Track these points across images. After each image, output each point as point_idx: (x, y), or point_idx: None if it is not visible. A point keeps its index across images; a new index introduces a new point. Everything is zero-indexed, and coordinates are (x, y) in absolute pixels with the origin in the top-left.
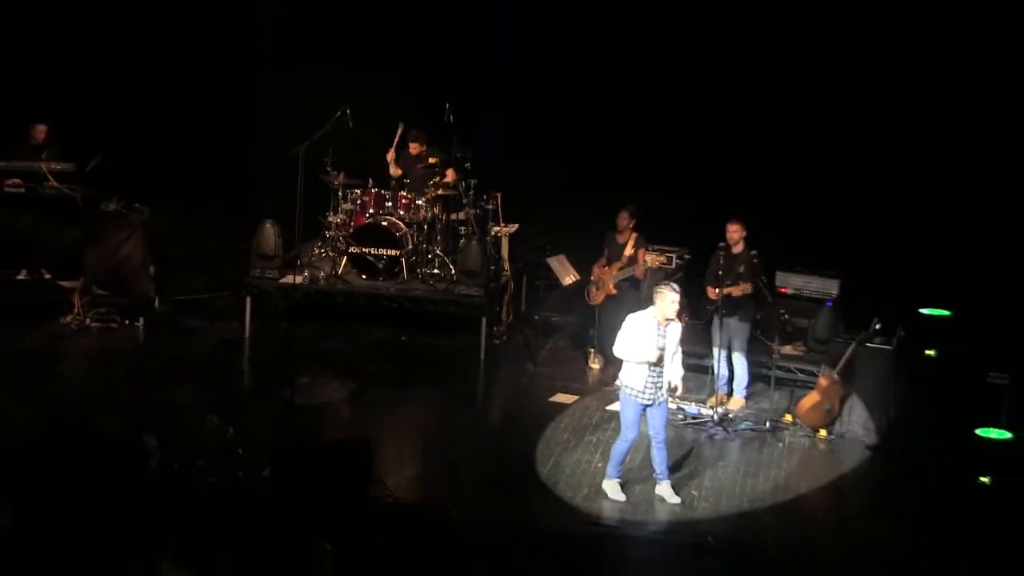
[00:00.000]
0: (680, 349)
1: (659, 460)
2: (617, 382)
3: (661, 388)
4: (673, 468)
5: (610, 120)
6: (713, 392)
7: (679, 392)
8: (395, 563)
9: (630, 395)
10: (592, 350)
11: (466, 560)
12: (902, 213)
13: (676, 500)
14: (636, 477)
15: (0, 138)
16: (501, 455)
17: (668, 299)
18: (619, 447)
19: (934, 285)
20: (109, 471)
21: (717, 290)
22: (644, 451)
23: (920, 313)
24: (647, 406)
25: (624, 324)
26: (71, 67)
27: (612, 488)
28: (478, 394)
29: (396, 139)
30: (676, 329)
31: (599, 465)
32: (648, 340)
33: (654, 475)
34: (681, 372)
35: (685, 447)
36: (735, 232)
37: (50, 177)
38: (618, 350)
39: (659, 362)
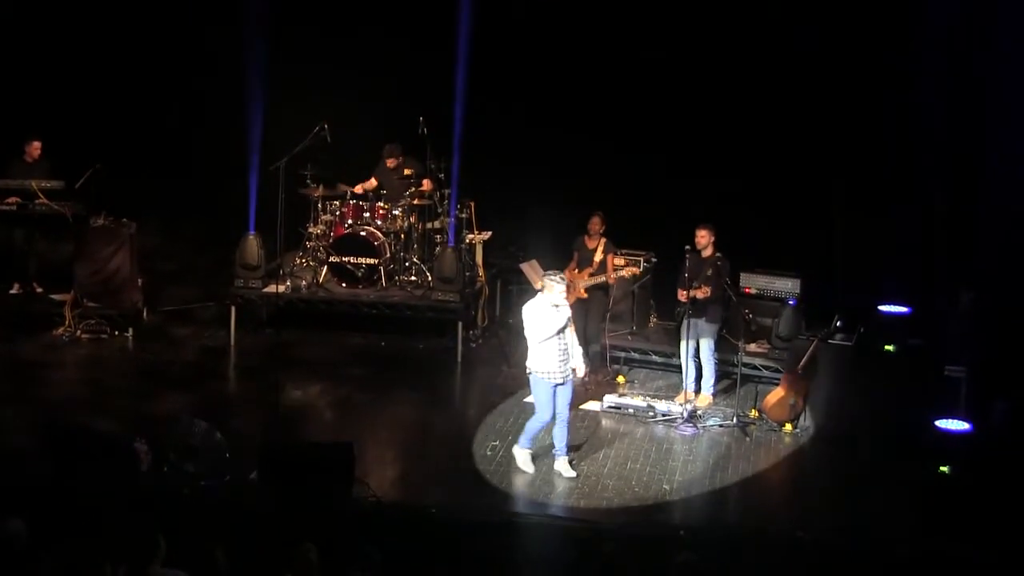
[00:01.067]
0: (574, 333)
1: (560, 437)
2: (528, 370)
3: (567, 365)
4: (643, 464)
5: (576, 128)
6: (682, 390)
7: (583, 375)
8: (379, 560)
9: (542, 378)
10: None
11: (445, 554)
12: (860, 213)
13: (572, 474)
14: (601, 470)
15: None
16: (478, 453)
17: (557, 289)
18: (533, 424)
19: (892, 282)
20: (101, 475)
21: (685, 293)
22: (617, 448)
23: (879, 310)
24: (557, 385)
25: (526, 314)
26: (61, 84)
27: (523, 458)
28: (456, 395)
29: (352, 189)
30: (566, 312)
31: (572, 462)
32: (549, 320)
33: (552, 451)
34: (580, 354)
35: (655, 443)
36: (703, 237)
37: (40, 195)
38: (535, 336)
39: (562, 340)
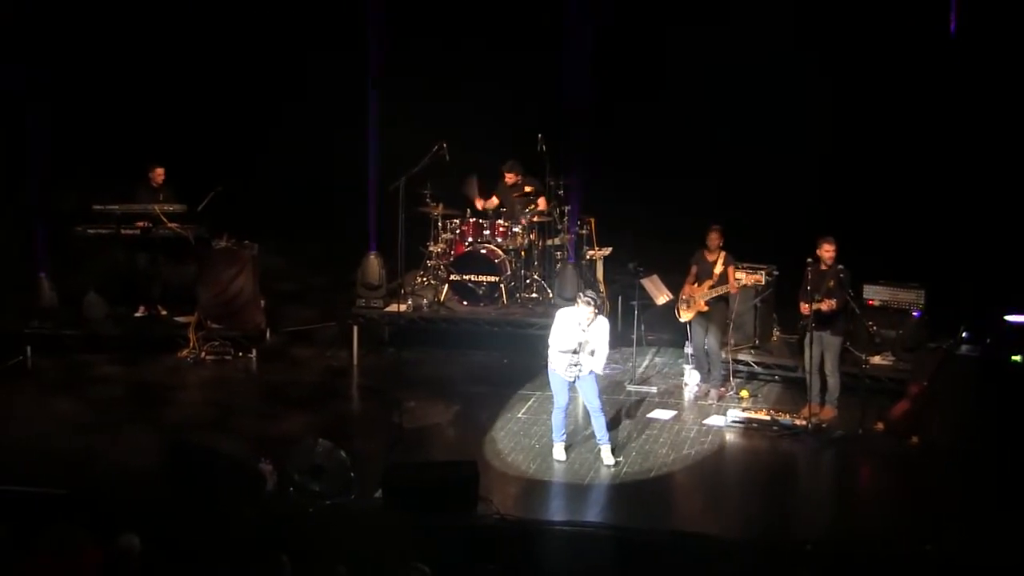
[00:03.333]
0: (606, 347)
1: (597, 427)
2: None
3: (576, 369)
4: (768, 479)
5: (696, 142)
6: (808, 403)
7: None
8: None
9: (554, 371)
10: (686, 366)
11: (569, 570)
12: (986, 221)
13: (611, 461)
14: (726, 484)
15: (118, 183)
16: (603, 469)
17: (583, 311)
18: (555, 415)
19: (1019, 291)
20: (227, 496)
21: (808, 306)
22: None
23: (1006, 319)
24: (571, 381)
25: (556, 317)
26: (181, 108)
27: (557, 450)
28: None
29: (475, 191)
30: (598, 326)
31: (698, 477)
32: (569, 335)
33: (595, 440)
34: (601, 364)
35: (779, 457)
36: (828, 251)
37: (164, 218)
38: (550, 341)
39: (576, 352)
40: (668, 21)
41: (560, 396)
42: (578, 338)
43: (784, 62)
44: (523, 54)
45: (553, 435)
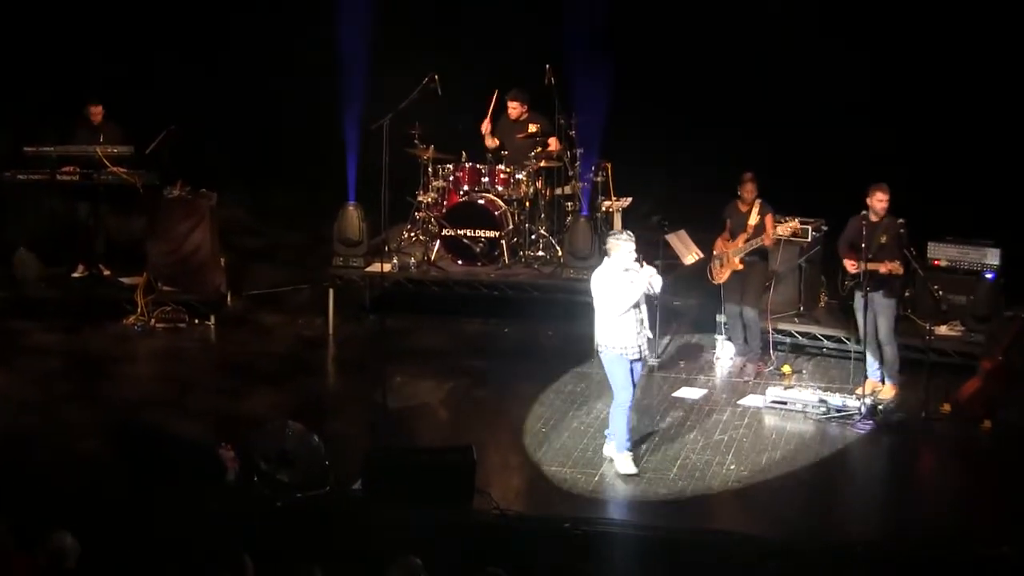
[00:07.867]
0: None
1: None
2: (599, 346)
3: (642, 337)
4: (814, 469)
5: (729, 77)
6: (863, 380)
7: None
8: None
9: (620, 354)
10: (719, 337)
11: (578, 571)
12: None
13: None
14: (766, 476)
15: (55, 121)
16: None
17: (624, 249)
18: (618, 414)
19: None
20: (181, 486)
21: (859, 264)
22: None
23: None
24: (633, 361)
25: (597, 283)
26: (126, 36)
27: (625, 461)
28: (592, 392)
29: (491, 108)
30: (645, 273)
31: (732, 467)
32: (626, 288)
33: (605, 432)
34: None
35: (828, 444)
36: (880, 200)
37: (107, 162)
38: (613, 309)
39: (639, 310)
40: None
41: (624, 390)
42: (639, 290)
43: None
44: None
45: (617, 442)
